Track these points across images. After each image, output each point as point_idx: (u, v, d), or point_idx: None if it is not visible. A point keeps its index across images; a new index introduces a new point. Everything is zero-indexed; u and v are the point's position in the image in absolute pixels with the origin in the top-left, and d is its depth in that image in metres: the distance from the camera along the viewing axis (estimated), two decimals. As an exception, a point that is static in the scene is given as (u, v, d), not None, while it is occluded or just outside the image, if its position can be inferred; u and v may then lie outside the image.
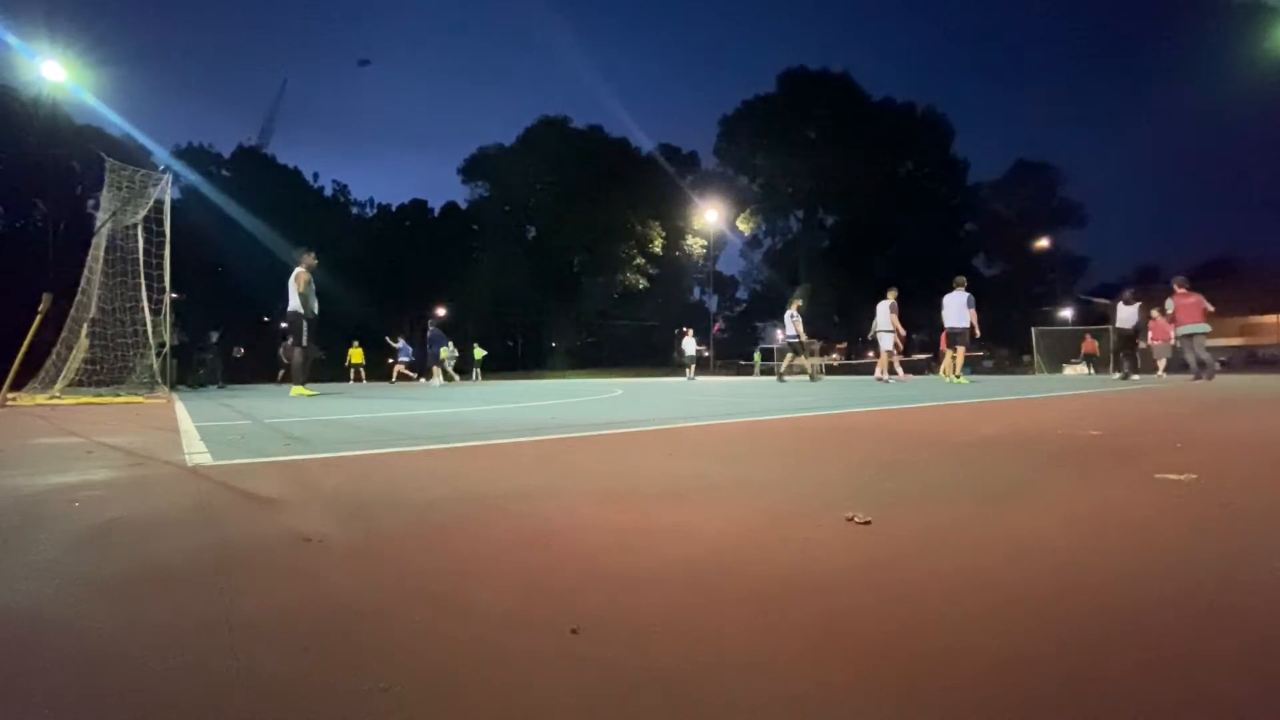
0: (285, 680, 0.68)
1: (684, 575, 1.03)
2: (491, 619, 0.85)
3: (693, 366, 21.28)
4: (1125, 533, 1.26)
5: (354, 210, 53.96)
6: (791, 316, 13.80)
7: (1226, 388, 7.99)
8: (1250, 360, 27.60)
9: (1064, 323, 32.78)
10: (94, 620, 0.85)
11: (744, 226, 46.29)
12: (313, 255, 8.57)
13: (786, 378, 15.29)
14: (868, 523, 1.32)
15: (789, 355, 14.41)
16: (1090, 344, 22.96)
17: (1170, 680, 0.67)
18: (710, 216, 36.71)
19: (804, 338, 14.06)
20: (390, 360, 20.87)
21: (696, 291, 51.43)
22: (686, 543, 1.22)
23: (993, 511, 1.44)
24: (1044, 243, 39.39)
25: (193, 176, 37.17)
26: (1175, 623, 0.82)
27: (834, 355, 32.49)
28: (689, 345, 20.90)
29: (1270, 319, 30.18)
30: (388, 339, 21.67)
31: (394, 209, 54.36)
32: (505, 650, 0.75)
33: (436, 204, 54.19)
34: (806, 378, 15.35)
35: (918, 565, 1.07)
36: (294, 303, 8.39)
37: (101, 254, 9.07)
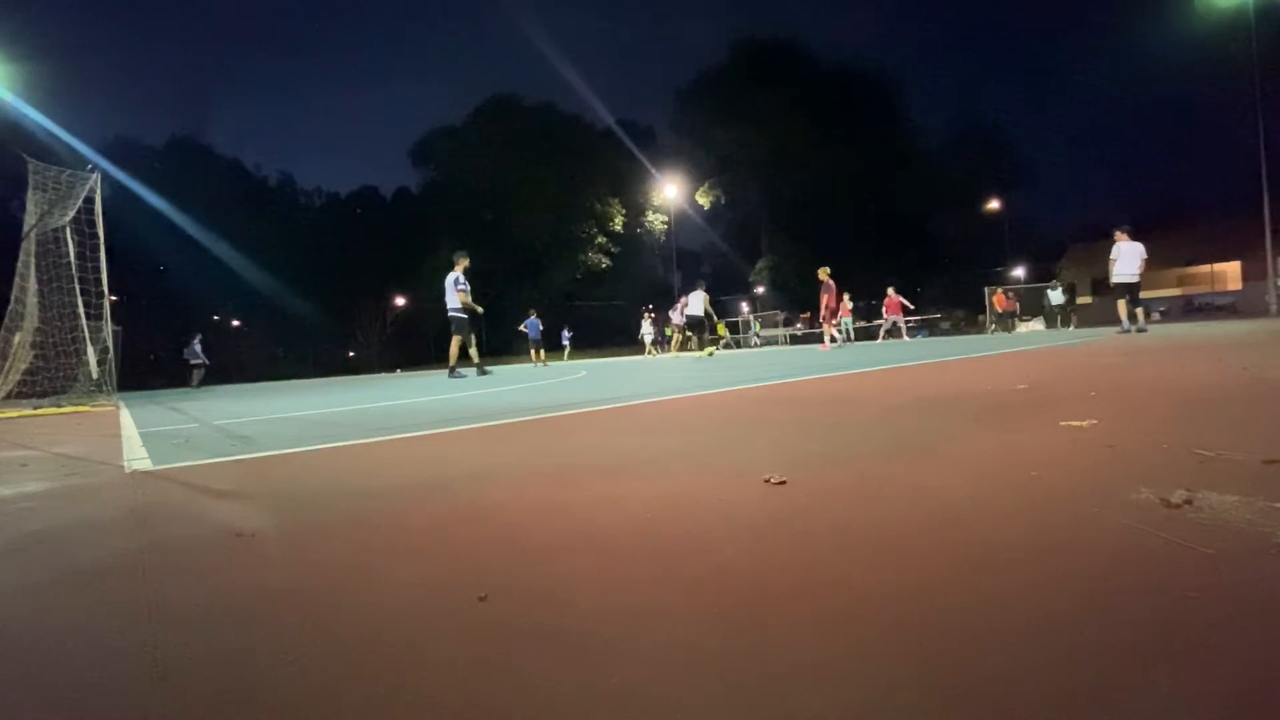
0: (198, 660, 0.72)
1: (600, 542, 1.10)
2: (407, 592, 0.91)
3: (652, 345, 22.53)
4: (1013, 477, 1.37)
5: (301, 200, 52.30)
6: (700, 297, 13.93)
7: (1163, 336, 8.42)
8: (1187, 309, 28.96)
9: (1017, 281, 33.81)
10: (15, 621, 0.88)
11: (704, 200, 46.25)
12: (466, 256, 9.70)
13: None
14: (783, 483, 1.41)
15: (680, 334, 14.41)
16: (1002, 300, 23.48)
17: (1011, 605, 0.77)
18: (670, 192, 36.57)
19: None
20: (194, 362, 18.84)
21: (660, 268, 51.41)
22: (610, 512, 1.29)
23: (902, 466, 1.55)
24: (995, 204, 40.35)
25: (123, 173, 35.35)
26: (1026, 554, 0.92)
27: (798, 325, 33.03)
28: (647, 326, 22.62)
29: (1204, 269, 31.66)
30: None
31: (343, 197, 52.88)
32: (414, 617, 0.81)
33: (387, 190, 52.99)
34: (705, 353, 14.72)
35: (819, 518, 1.16)
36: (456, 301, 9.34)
37: (33, 260, 8.66)
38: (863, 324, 27.27)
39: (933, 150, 46.69)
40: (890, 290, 19.07)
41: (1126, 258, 10.12)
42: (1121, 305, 10.31)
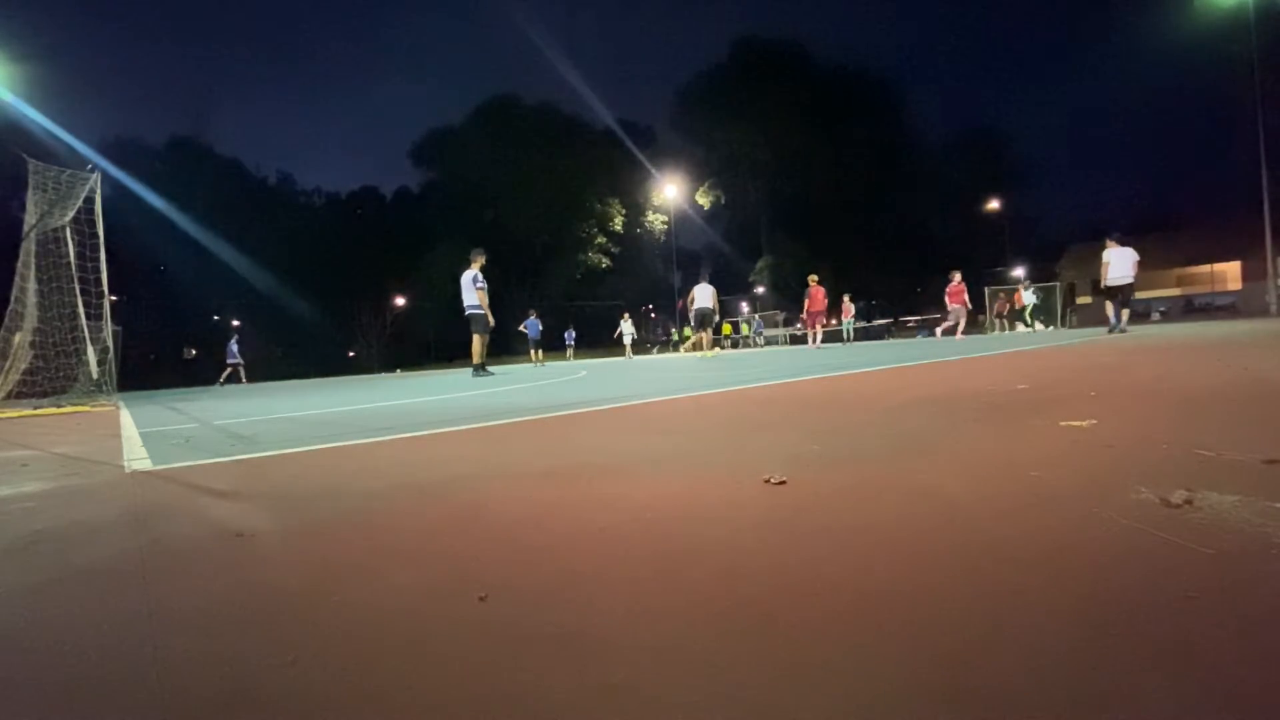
0: (198, 660, 0.72)
1: (600, 542, 1.10)
2: (408, 592, 0.91)
3: (629, 347, 22.73)
4: (1013, 477, 1.37)
5: (301, 200, 52.39)
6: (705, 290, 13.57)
7: (1162, 336, 8.42)
8: (1187, 309, 28.96)
9: (1016, 281, 33.84)
10: (15, 621, 0.88)
11: (703, 200, 46.27)
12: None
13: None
14: (783, 483, 1.41)
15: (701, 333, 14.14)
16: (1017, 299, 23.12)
17: (1011, 605, 0.77)
18: (670, 192, 36.58)
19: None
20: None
21: (660, 268, 51.40)
22: (609, 512, 1.29)
23: (901, 466, 1.54)
24: (994, 205, 40.36)
25: (123, 173, 35.26)
26: (1026, 555, 0.92)
27: (798, 325, 33.11)
28: (627, 327, 22.87)
29: (1204, 269, 31.65)
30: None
31: (343, 196, 52.99)
32: (414, 617, 0.81)
33: (388, 190, 53.11)
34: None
35: (819, 518, 1.16)
36: (475, 299, 9.31)
37: (33, 260, 8.67)
38: (862, 324, 27.24)
39: (933, 150, 46.75)
40: (956, 275, 16.00)
41: (1118, 263, 10.87)
42: (1109, 305, 11.10)
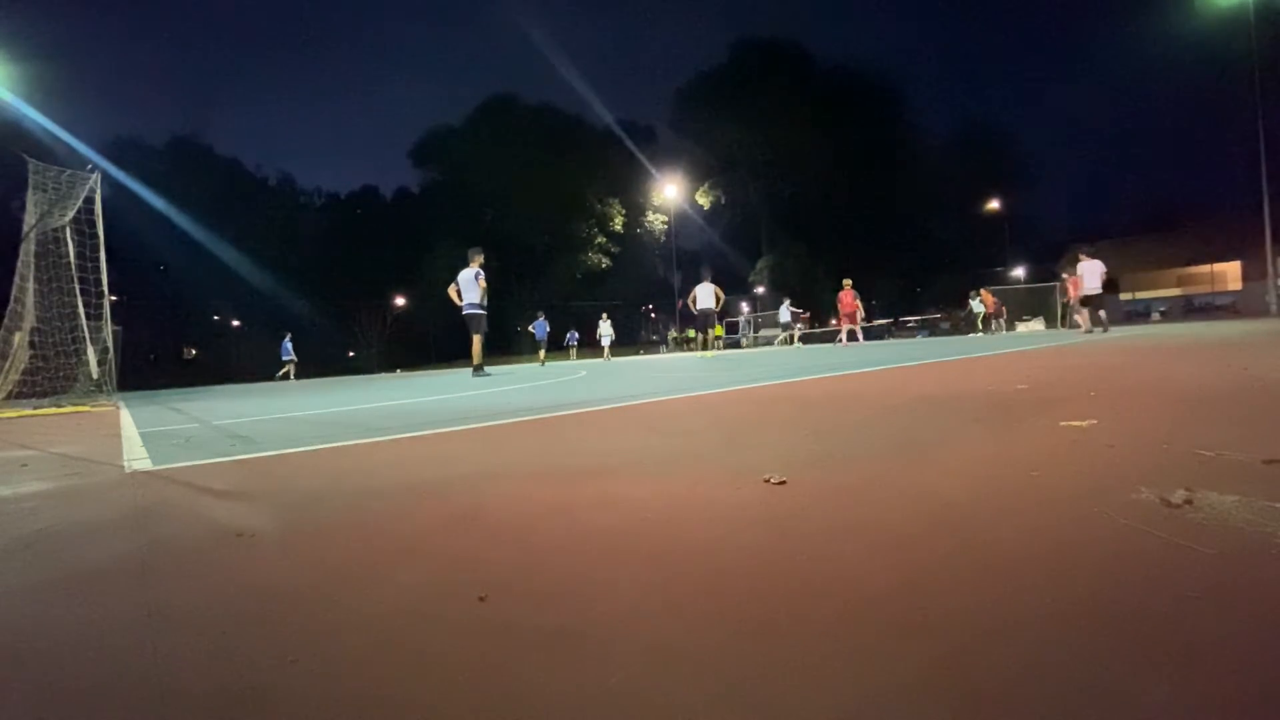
0: (199, 660, 0.72)
1: (599, 542, 1.10)
2: (408, 592, 0.91)
3: (607, 347, 22.59)
4: (1014, 477, 1.37)
5: (301, 200, 52.34)
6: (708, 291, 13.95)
7: (1162, 336, 8.42)
8: (1187, 309, 28.97)
9: (1015, 282, 33.82)
10: (16, 621, 0.88)
11: (703, 200, 46.24)
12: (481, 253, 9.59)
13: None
14: (783, 483, 1.41)
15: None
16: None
17: (1011, 605, 0.77)
18: (670, 192, 36.57)
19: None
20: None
21: (660, 268, 51.38)
22: (610, 512, 1.29)
23: (901, 466, 1.54)
24: (995, 204, 40.34)
25: (123, 173, 35.20)
26: (1026, 555, 0.92)
27: (798, 325, 33.16)
28: (606, 328, 22.67)
29: (1204, 269, 31.64)
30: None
31: (343, 196, 53.02)
32: (414, 617, 0.81)
33: (388, 190, 53.16)
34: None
35: (819, 518, 1.16)
36: (477, 297, 9.28)
37: (33, 260, 8.67)
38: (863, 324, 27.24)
39: (933, 150, 46.73)
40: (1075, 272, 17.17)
41: (1089, 275, 12.19)
42: (1085, 313, 12.35)
